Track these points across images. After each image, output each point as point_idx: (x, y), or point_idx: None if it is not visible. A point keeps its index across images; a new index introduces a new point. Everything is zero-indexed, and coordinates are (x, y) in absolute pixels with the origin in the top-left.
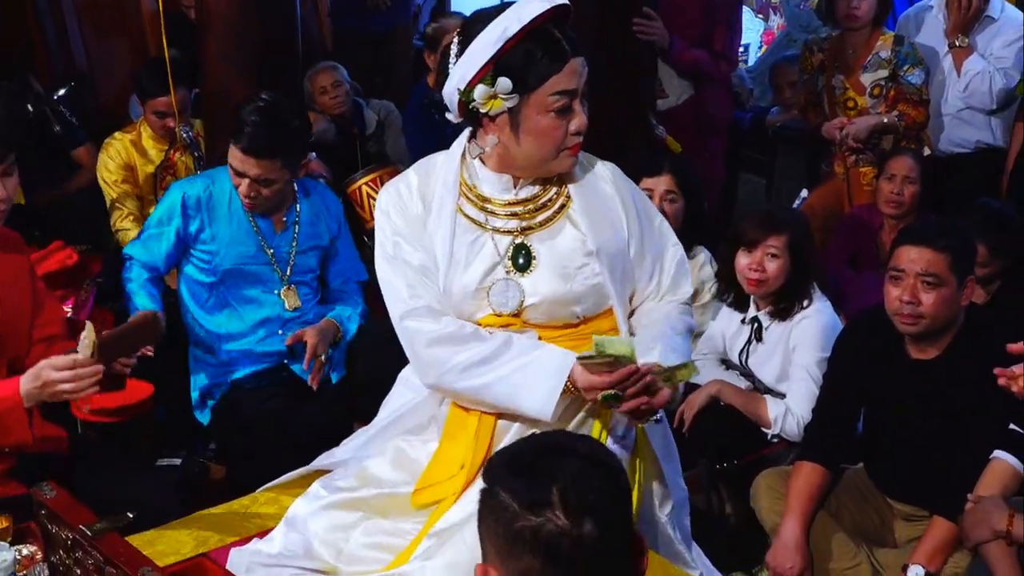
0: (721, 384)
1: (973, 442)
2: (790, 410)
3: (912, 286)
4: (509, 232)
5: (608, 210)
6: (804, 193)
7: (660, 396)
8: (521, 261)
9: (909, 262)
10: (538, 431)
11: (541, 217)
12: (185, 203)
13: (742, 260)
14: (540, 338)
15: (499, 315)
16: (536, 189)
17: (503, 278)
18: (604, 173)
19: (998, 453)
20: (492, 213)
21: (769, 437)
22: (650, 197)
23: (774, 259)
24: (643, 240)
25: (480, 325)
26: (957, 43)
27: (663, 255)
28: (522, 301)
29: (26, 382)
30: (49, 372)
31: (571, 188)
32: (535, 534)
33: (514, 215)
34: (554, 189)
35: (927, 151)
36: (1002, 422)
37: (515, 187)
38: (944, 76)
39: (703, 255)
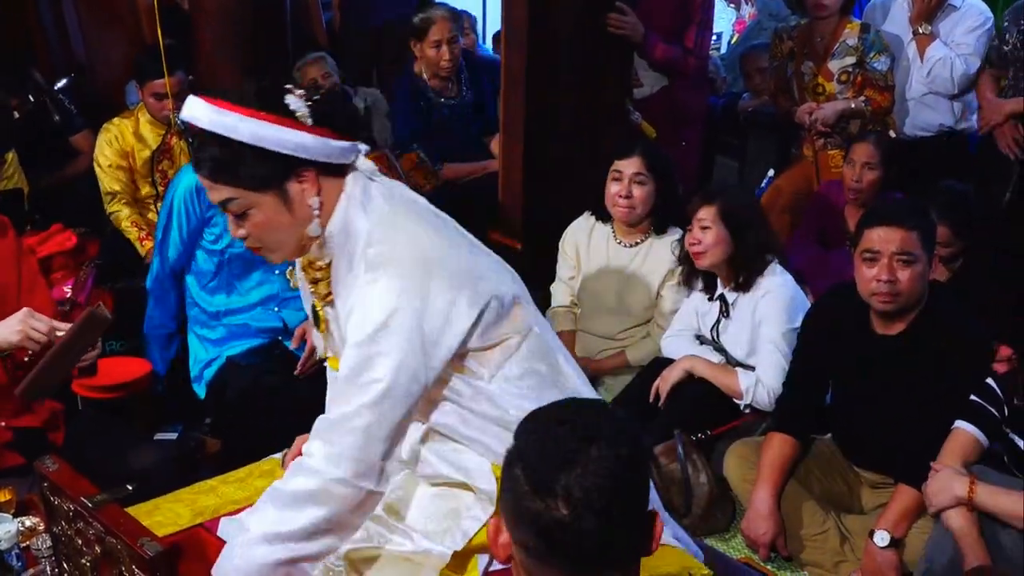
0: (694, 359)
1: (935, 413)
2: (760, 381)
3: (888, 265)
4: (313, 292)
5: (347, 308)
6: (771, 173)
7: None
8: (316, 322)
9: (883, 242)
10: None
11: (322, 289)
12: (196, 189)
13: (687, 238)
14: None
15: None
16: (320, 262)
17: (314, 327)
18: (358, 273)
19: (959, 423)
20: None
21: (741, 408)
22: (620, 179)
23: (706, 230)
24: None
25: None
26: (920, 30)
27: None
28: (325, 352)
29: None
30: (23, 315)
31: (333, 275)
32: (537, 518)
33: (306, 272)
34: (327, 267)
35: (892, 134)
36: (963, 393)
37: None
38: (908, 62)
39: (678, 233)
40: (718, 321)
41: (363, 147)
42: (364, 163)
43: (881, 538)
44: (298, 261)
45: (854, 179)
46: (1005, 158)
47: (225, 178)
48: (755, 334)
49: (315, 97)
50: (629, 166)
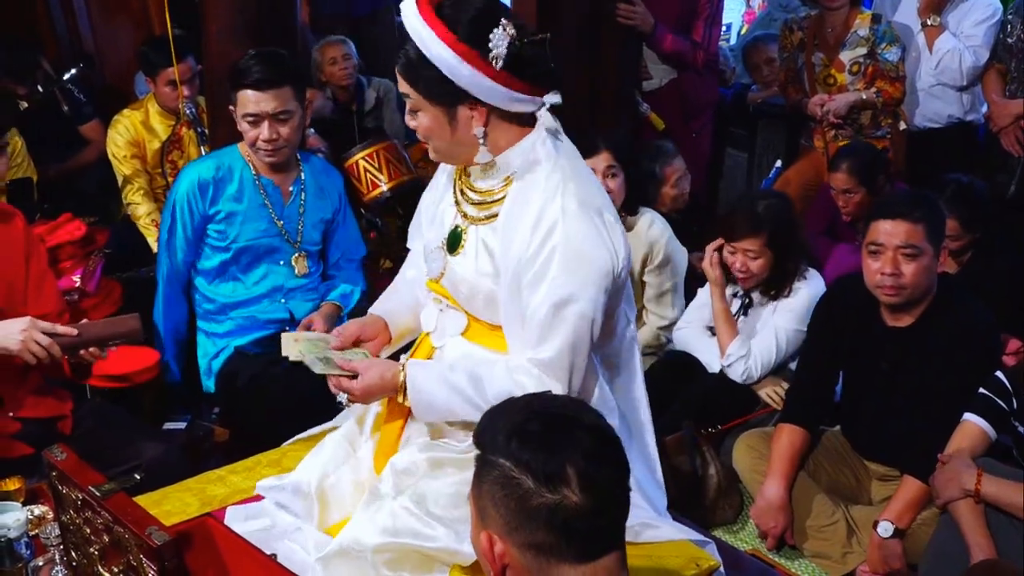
0: (720, 291)
1: (944, 405)
2: (750, 356)
3: (892, 259)
4: (459, 213)
5: (524, 234)
6: (779, 164)
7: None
8: (452, 242)
9: (887, 236)
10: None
11: (475, 212)
12: (199, 186)
13: (728, 256)
14: (468, 327)
15: (429, 279)
16: (481, 183)
17: (438, 247)
18: (551, 200)
19: (968, 416)
20: (460, 192)
21: (718, 368)
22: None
23: (754, 259)
24: (521, 281)
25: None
26: (929, 22)
27: (533, 302)
28: (442, 274)
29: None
30: (27, 324)
31: (509, 197)
32: (553, 512)
33: (463, 194)
34: (498, 191)
35: (903, 125)
36: (972, 386)
37: (467, 173)
38: (918, 53)
39: (648, 215)
40: (736, 316)
41: (550, 99)
42: (548, 119)
43: (884, 528)
44: None
45: (841, 205)
46: None
47: (407, 77)
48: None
49: (516, 43)
50: (600, 162)
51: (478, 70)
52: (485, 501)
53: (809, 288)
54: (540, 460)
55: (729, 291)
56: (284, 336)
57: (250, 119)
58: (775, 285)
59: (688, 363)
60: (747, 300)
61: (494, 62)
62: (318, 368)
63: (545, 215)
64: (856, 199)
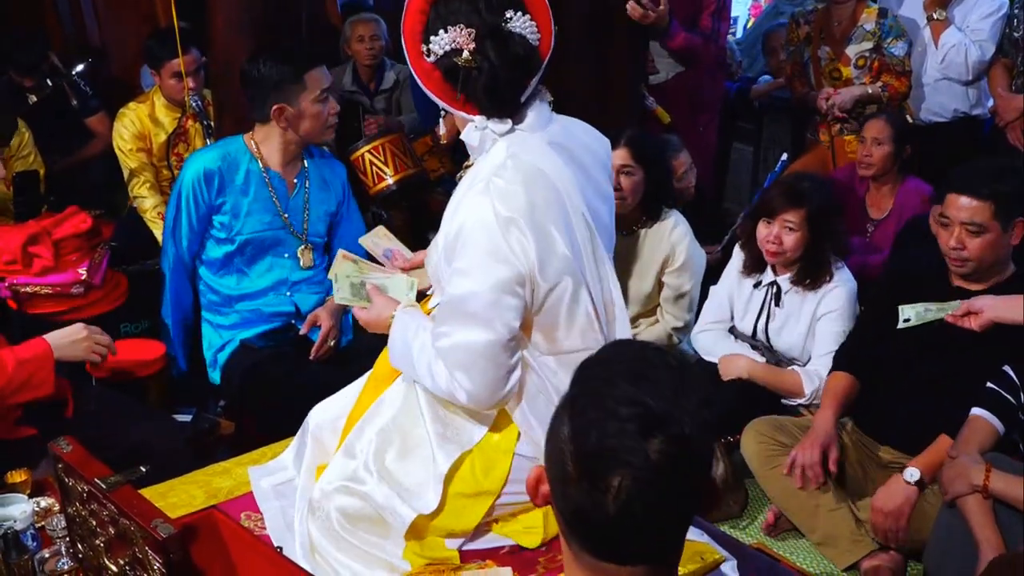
0: (753, 365)
1: (995, 369)
2: (823, 381)
3: (957, 233)
4: None
5: (447, 223)
6: (784, 157)
7: None
8: None
9: (955, 210)
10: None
11: None
12: (204, 176)
13: (762, 230)
14: None
15: None
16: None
17: None
18: (468, 195)
19: (976, 410)
20: None
21: (796, 404)
22: None
23: (791, 232)
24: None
25: None
26: (935, 16)
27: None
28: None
29: (56, 338)
30: (84, 330)
31: (461, 182)
32: (580, 506)
33: None
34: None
35: (909, 120)
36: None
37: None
38: (924, 48)
39: (673, 217)
40: (763, 310)
41: (482, 122)
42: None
43: (910, 474)
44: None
45: (865, 154)
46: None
47: None
48: (811, 327)
49: (459, 54)
50: (615, 158)
51: (411, 52)
52: (550, 447)
53: (847, 284)
54: (594, 454)
55: (754, 279)
56: (338, 256)
57: (324, 96)
58: (809, 273)
59: (708, 369)
60: (775, 288)
61: (427, 55)
62: (340, 295)
63: (460, 208)
64: (882, 152)
